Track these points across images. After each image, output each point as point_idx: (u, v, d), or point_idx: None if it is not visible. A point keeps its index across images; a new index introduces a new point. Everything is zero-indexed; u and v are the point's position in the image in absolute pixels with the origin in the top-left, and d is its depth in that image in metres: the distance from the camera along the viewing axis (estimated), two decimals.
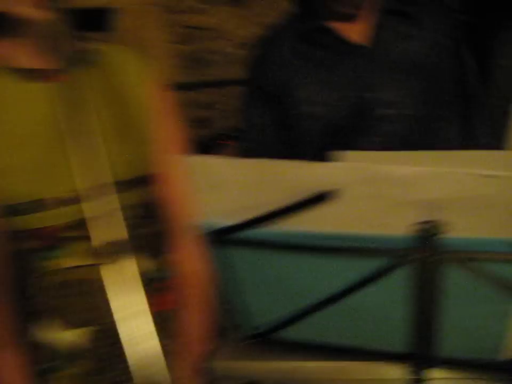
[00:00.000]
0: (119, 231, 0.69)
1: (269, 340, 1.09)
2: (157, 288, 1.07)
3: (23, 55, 1.05)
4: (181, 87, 2.20)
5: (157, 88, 1.14)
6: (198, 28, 2.31)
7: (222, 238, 1.04)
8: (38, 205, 1.02)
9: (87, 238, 1.00)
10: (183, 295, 1.09)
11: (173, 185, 1.15)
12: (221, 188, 1.08)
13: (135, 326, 0.59)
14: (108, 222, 0.80)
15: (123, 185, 1.04)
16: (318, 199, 0.97)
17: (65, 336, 1.06)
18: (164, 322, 1.05)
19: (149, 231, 1.10)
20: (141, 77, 1.12)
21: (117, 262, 0.65)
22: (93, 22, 0.89)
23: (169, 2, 2.22)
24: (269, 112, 1.45)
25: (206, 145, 2.02)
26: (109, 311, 1.03)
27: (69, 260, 1.03)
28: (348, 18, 1.37)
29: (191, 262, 1.11)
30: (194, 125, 2.23)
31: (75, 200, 1.02)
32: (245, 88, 1.52)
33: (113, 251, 0.67)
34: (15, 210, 1.02)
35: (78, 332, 1.05)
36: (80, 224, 1.02)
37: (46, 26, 0.97)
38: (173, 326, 1.08)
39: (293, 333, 1.06)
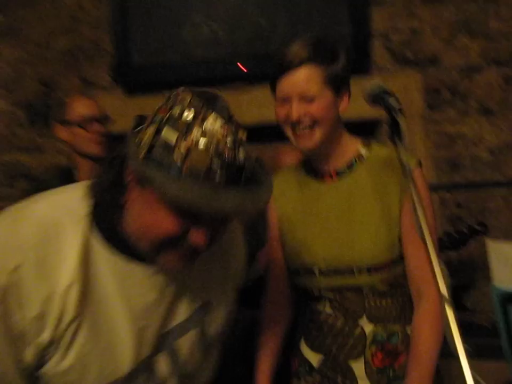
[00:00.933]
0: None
1: None
2: (388, 349, 1.36)
3: (316, 160, 1.45)
4: (436, 188, 2.45)
5: (413, 184, 1.36)
6: (453, 135, 2.55)
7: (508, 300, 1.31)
8: (307, 272, 1.41)
9: (335, 298, 1.39)
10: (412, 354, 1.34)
11: (420, 267, 1.34)
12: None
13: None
14: None
15: (376, 267, 1.34)
16: None
17: (310, 355, 1.46)
18: (388, 376, 1.36)
19: (386, 304, 1.38)
20: (399, 173, 1.33)
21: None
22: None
23: (432, 113, 2.52)
24: None
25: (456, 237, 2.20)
26: (334, 347, 1.39)
27: (324, 308, 1.42)
28: None
29: (422, 330, 1.34)
30: (448, 220, 2.44)
31: (331, 273, 1.37)
32: None
33: None
34: (297, 271, 1.44)
35: (316, 355, 1.44)
36: (332, 289, 1.38)
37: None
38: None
39: None
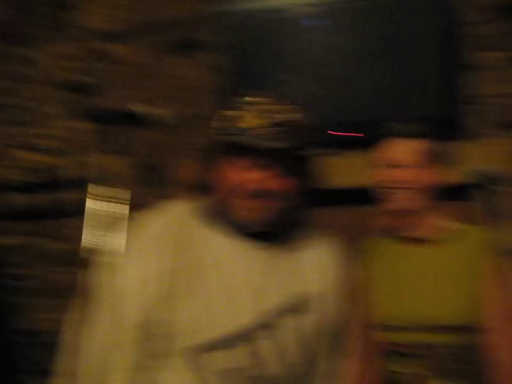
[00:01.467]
0: None
1: None
2: None
3: (405, 226, 1.57)
4: None
5: (492, 257, 1.45)
6: None
7: None
8: (387, 328, 1.47)
9: (421, 356, 1.41)
10: None
11: (498, 339, 1.41)
12: None
13: None
14: None
15: (449, 328, 1.40)
16: None
17: None
18: None
19: (459, 369, 1.40)
20: (482, 247, 1.47)
21: None
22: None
23: None
24: None
25: None
26: None
27: (404, 368, 1.44)
28: None
29: None
30: None
31: (417, 329, 1.42)
32: None
33: None
34: (378, 327, 1.51)
35: None
36: (417, 347, 1.40)
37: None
38: None
39: None
